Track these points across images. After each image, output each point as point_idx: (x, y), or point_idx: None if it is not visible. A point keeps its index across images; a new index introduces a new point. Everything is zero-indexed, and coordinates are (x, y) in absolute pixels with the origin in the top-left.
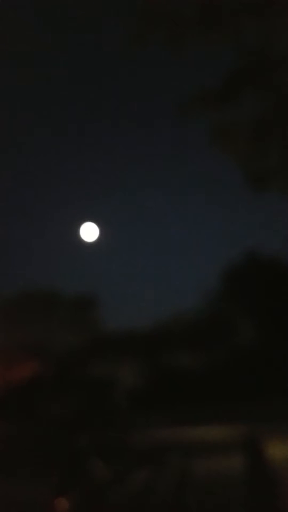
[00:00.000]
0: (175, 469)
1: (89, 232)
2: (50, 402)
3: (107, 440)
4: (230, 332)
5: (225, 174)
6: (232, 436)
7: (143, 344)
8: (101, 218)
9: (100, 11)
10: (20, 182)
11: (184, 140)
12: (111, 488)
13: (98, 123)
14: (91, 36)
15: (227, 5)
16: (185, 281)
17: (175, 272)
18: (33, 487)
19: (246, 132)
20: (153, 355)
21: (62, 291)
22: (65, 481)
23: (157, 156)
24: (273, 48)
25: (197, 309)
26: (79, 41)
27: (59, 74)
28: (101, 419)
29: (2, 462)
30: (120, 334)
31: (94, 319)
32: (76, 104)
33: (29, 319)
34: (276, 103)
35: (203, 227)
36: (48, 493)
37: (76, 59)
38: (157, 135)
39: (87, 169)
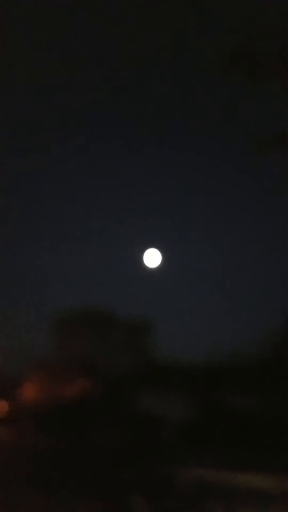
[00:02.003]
0: None
1: (152, 258)
2: (97, 424)
3: (152, 476)
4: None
5: None
6: (278, 486)
7: (195, 379)
8: (165, 245)
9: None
10: (88, 208)
11: (257, 175)
12: None
13: (169, 152)
14: (180, 68)
15: None
16: (248, 319)
17: (238, 308)
18: (72, 506)
19: None
20: (205, 392)
21: (120, 314)
22: (105, 510)
23: (226, 188)
24: None
25: (256, 351)
26: (166, 74)
27: (144, 105)
28: (147, 451)
29: (45, 478)
30: (174, 365)
31: (148, 346)
32: (146, 133)
33: (85, 338)
34: None
35: (270, 263)
36: None
37: (162, 92)
38: (228, 168)
39: (154, 196)
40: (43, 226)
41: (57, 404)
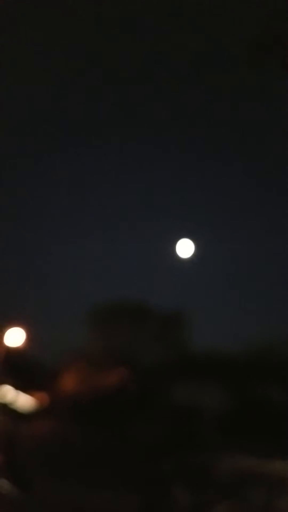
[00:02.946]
0: (257, 504)
1: (185, 248)
2: (134, 417)
3: (192, 466)
4: None
5: None
6: None
7: (232, 369)
8: (199, 236)
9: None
10: (122, 200)
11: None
12: None
13: (202, 145)
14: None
15: None
16: (284, 309)
17: (273, 299)
18: (114, 503)
19: None
20: (241, 382)
21: (155, 305)
22: (148, 503)
23: (261, 181)
24: None
25: None
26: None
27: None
28: (186, 443)
29: (85, 471)
30: (210, 356)
31: (183, 337)
32: (182, 131)
33: (121, 330)
34: None
35: None
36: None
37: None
38: (264, 161)
39: (187, 187)
40: (78, 221)
41: (95, 396)
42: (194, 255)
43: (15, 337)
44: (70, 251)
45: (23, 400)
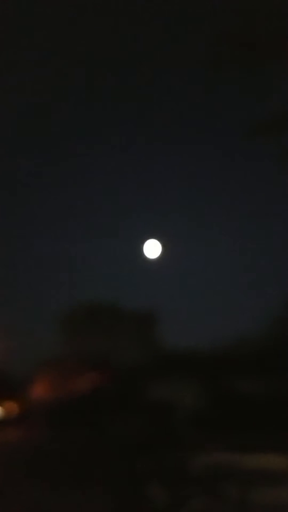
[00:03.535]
0: (233, 497)
1: (153, 249)
2: (109, 418)
3: (167, 464)
4: None
5: None
6: None
7: (204, 365)
8: (165, 236)
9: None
10: (87, 200)
11: (252, 162)
12: None
13: (164, 143)
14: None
15: None
16: (251, 304)
17: (240, 294)
18: (89, 502)
19: None
20: (213, 377)
21: (124, 306)
22: (123, 503)
23: (224, 177)
24: None
25: (262, 334)
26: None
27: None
28: (161, 440)
29: (59, 475)
30: (182, 353)
31: (155, 336)
32: (145, 124)
33: (92, 333)
34: None
35: (270, 249)
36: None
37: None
38: (225, 156)
39: (152, 187)
40: (43, 224)
41: (67, 401)
42: (162, 255)
43: None
44: (36, 254)
45: None
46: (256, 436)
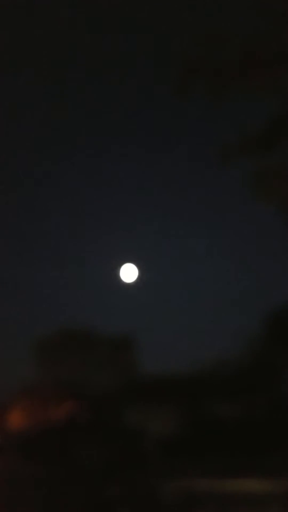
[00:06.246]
0: None
1: (129, 273)
2: (82, 447)
3: (138, 491)
4: (273, 381)
5: (266, 219)
6: (270, 490)
7: (180, 391)
8: (141, 260)
9: (145, 59)
10: (59, 222)
11: (223, 186)
12: None
13: (137, 166)
14: (133, 83)
15: (268, 54)
16: (227, 326)
17: (216, 316)
18: None
19: None
20: (190, 403)
21: (99, 331)
22: None
23: (197, 201)
24: None
25: (241, 358)
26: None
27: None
28: (132, 468)
29: (29, 505)
30: (157, 379)
31: (130, 362)
32: (117, 147)
33: (66, 358)
34: None
35: (246, 270)
36: None
37: (118, 106)
38: (196, 180)
39: (128, 210)
40: (14, 247)
41: (41, 429)
42: (138, 279)
43: None
44: (8, 279)
45: None
46: (234, 460)
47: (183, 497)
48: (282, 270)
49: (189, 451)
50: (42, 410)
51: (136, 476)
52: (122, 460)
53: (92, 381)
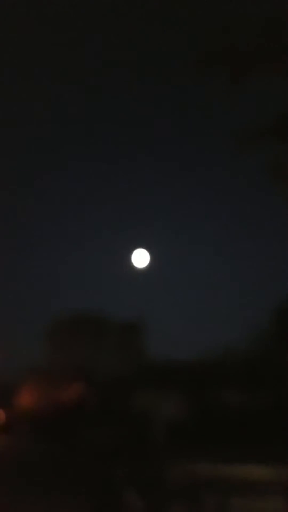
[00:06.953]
0: (211, 507)
1: (140, 258)
2: (92, 428)
3: (144, 473)
4: (279, 371)
5: (280, 210)
6: (273, 477)
7: (188, 377)
8: (153, 245)
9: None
10: (74, 210)
11: (239, 173)
12: None
13: (151, 155)
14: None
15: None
16: (236, 315)
17: (226, 305)
18: (68, 509)
19: None
20: (197, 390)
21: (111, 316)
22: (100, 510)
23: (212, 189)
24: None
25: (247, 346)
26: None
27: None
28: (140, 451)
29: (39, 483)
30: (166, 364)
31: (140, 346)
32: (135, 137)
33: (78, 343)
34: None
35: (256, 263)
36: None
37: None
38: (212, 168)
39: (141, 197)
40: (27, 237)
41: (53, 409)
42: (150, 265)
43: None
44: (22, 266)
45: None
46: (239, 447)
47: (188, 480)
48: None
49: (195, 436)
50: (53, 393)
51: (142, 458)
52: (130, 443)
53: (102, 365)
